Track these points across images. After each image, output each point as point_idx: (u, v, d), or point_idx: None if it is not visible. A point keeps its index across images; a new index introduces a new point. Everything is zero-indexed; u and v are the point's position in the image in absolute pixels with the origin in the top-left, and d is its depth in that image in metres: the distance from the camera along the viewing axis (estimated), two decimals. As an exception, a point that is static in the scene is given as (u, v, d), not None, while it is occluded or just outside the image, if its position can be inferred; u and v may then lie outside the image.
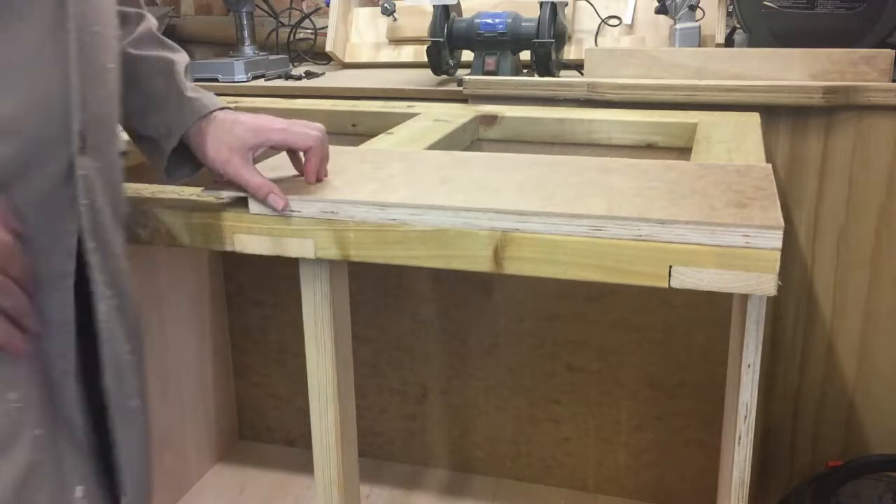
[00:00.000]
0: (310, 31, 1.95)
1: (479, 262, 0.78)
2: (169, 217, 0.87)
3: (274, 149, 0.87)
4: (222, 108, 0.86)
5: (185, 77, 0.88)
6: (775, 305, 1.38)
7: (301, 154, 0.88)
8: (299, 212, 0.83)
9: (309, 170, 0.87)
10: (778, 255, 0.69)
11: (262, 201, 0.83)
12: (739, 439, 0.78)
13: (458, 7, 1.60)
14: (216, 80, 1.66)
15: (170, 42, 0.91)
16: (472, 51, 1.54)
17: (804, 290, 1.37)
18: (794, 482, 1.44)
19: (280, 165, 0.92)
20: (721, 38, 1.62)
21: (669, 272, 0.72)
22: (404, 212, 0.80)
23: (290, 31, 1.93)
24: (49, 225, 0.66)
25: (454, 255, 0.79)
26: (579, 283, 0.84)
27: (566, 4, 1.57)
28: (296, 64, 1.91)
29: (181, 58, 0.90)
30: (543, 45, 1.45)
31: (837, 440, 1.43)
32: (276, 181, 0.89)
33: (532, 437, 1.50)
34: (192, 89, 0.87)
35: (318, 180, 0.88)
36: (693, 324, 1.35)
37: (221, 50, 1.91)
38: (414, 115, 1.34)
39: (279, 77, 1.75)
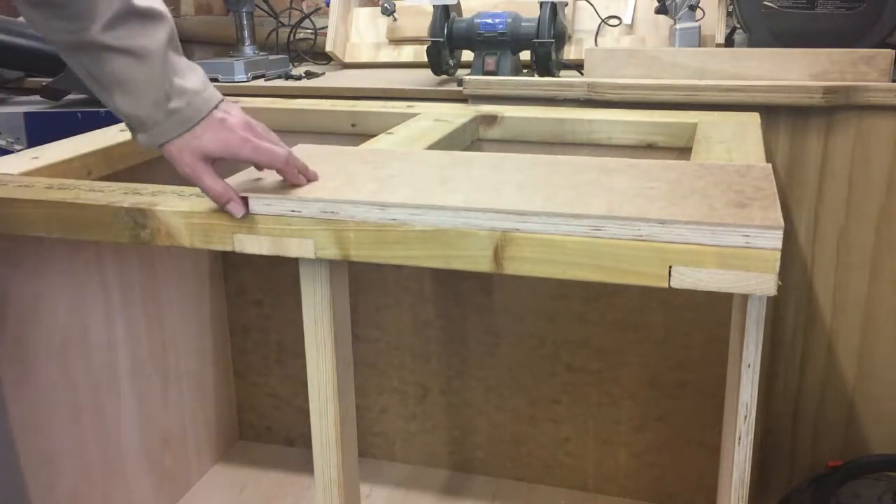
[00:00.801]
0: (310, 31, 1.95)
1: (479, 262, 0.78)
2: (169, 217, 0.87)
3: (243, 162, 0.85)
4: (208, 114, 0.81)
5: (165, 66, 0.79)
6: (775, 305, 1.38)
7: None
8: (299, 212, 0.83)
9: (289, 182, 0.86)
10: (778, 255, 0.69)
11: (223, 209, 0.84)
12: (739, 439, 0.78)
13: (458, 7, 1.60)
14: (216, 80, 1.66)
15: (152, 10, 0.80)
16: (472, 51, 1.54)
17: (804, 290, 1.37)
18: (794, 482, 1.44)
19: None
20: (721, 38, 1.62)
21: (669, 272, 0.72)
22: (404, 212, 0.80)
23: (290, 31, 1.93)
24: None
25: (454, 255, 0.79)
26: (579, 282, 0.84)
27: (566, 4, 1.57)
28: (296, 64, 1.91)
29: (157, 40, 0.79)
30: (543, 45, 1.45)
31: (837, 440, 1.43)
32: (274, 181, 0.89)
33: (532, 437, 1.50)
34: (177, 94, 0.79)
35: (310, 181, 0.88)
36: (693, 324, 1.35)
37: (221, 50, 1.91)
38: (414, 115, 1.34)
39: (279, 77, 1.75)
